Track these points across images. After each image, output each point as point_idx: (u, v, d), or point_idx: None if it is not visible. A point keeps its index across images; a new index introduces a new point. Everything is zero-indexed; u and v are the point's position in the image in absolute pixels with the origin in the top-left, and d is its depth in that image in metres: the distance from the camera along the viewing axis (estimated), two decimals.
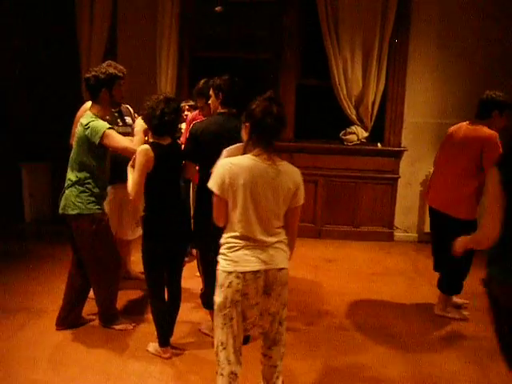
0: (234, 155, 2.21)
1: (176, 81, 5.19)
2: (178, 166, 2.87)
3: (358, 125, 5.20)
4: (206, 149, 2.81)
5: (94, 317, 3.27)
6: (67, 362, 2.84)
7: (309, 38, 5.28)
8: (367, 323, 3.44)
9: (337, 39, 4.95)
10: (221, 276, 2.13)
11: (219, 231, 2.83)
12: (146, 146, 2.68)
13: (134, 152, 2.78)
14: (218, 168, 2.11)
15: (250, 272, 2.09)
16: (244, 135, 2.22)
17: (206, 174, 2.88)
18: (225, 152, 2.29)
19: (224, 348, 2.15)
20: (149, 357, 2.92)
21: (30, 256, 4.51)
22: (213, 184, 2.10)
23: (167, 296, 2.97)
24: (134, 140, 2.92)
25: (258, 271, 2.10)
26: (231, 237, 2.14)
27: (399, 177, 5.24)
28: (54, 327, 3.17)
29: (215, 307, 2.17)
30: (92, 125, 2.86)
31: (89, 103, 3.10)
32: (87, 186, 2.95)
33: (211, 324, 3.11)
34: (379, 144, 5.26)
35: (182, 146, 3.05)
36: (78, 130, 2.95)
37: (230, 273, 2.10)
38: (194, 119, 3.89)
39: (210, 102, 3.05)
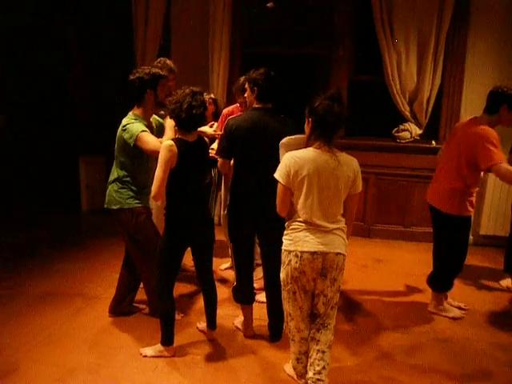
0: (294, 143, 2.45)
1: (228, 77, 5.22)
2: (203, 165, 2.81)
3: (411, 121, 5.04)
4: (241, 145, 2.80)
5: (145, 306, 3.38)
6: (118, 348, 2.96)
7: (362, 33, 5.16)
8: (417, 327, 3.34)
9: (391, 33, 4.79)
10: (283, 254, 2.37)
11: (254, 225, 2.92)
12: (170, 142, 2.59)
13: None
14: (283, 161, 2.32)
15: (307, 252, 2.28)
16: (306, 129, 2.39)
17: (239, 170, 2.89)
18: (285, 140, 2.50)
19: (292, 319, 2.44)
20: (196, 346, 2.99)
21: (85, 245, 4.73)
22: (279, 175, 2.31)
23: (202, 291, 3.00)
24: (163, 139, 2.84)
25: (315, 252, 2.28)
26: (295, 221, 2.34)
27: None
28: (107, 314, 3.32)
29: (281, 282, 2.42)
30: (128, 127, 2.88)
31: None
32: (126, 183, 3.01)
33: (242, 319, 3.15)
34: (434, 142, 5.06)
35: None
36: (118, 130, 2.97)
37: (290, 251, 2.32)
38: (229, 114, 3.87)
39: (245, 95, 2.98)
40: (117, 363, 2.80)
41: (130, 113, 3.01)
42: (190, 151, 2.65)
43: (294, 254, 2.30)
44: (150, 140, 2.84)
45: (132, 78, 2.95)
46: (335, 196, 2.30)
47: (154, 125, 3.13)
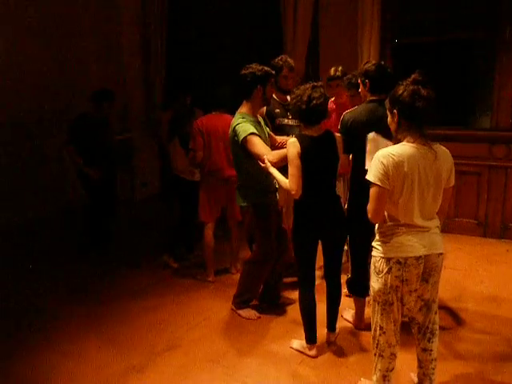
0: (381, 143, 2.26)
1: None
2: (331, 158, 2.69)
3: None
4: (358, 139, 2.73)
5: (291, 298, 3.45)
6: (265, 336, 3.07)
7: None
8: None
9: None
10: (379, 262, 2.15)
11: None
12: (294, 139, 2.62)
13: (262, 159, 2.79)
14: (378, 160, 2.05)
15: (412, 257, 2.09)
16: (392, 123, 2.16)
17: (359, 164, 2.79)
18: (371, 135, 2.33)
19: (383, 332, 2.21)
20: (345, 343, 2.95)
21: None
22: (375, 176, 2.05)
23: (326, 289, 2.92)
24: (274, 152, 2.84)
25: (420, 257, 2.09)
26: (392, 224, 2.13)
27: None
28: (256, 303, 3.44)
29: (373, 293, 2.21)
30: (237, 128, 2.95)
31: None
32: (249, 184, 3.09)
33: (353, 312, 3.12)
34: None
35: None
36: (229, 132, 3.06)
37: (389, 259, 2.11)
38: (331, 109, 3.78)
39: (359, 90, 2.95)
40: (264, 351, 2.91)
41: (238, 112, 3.08)
42: (315, 146, 2.62)
43: (395, 260, 2.09)
44: (257, 144, 2.87)
45: (244, 72, 3.02)
46: (435, 192, 2.10)
47: (260, 120, 3.16)
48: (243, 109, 3.09)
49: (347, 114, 2.88)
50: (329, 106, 3.84)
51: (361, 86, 2.89)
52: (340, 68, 3.84)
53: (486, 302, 3.45)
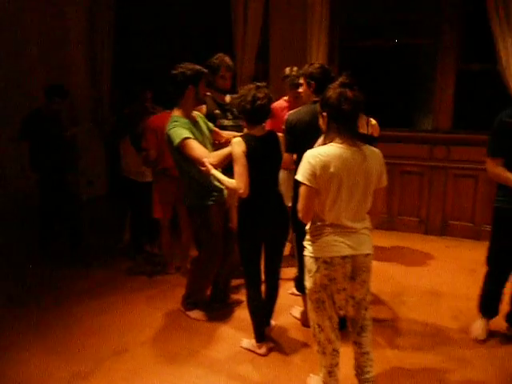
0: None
1: None
2: (274, 157, 2.76)
3: None
4: (302, 139, 2.75)
5: (240, 299, 3.45)
6: (216, 337, 3.07)
7: (472, 17, 4.76)
8: None
9: (506, 17, 4.33)
10: (308, 261, 2.21)
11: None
12: (238, 138, 2.64)
13: (202, 162, 2.76)
14: (306, 160, 2.10)
15: (338, 257, 2.14)
16: (322, 125, 2.22)
17: None
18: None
19: (322, 330, 2.27)
20: (290, 340, 2.98)
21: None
22: (304, 176, 2.10)
23: (265, 287, 2.95)
24: (213, 153, 2.84)
25: (346, 256, 2.14)
26: (319, 224, 2.18)
27: None
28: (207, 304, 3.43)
29: (306, 292, 2.27)
30: (170, 133, 2.89)
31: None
32: (191, 186, 3.06)
33: (301, 309, 3.19)
34: None
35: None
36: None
37: (317, 258, 2.16)
38: (281, 109, 3.87)
39: (300, 90, 3.00)
40: (215, 352, 2.91)
41: (171, 116, 3.00)
42: (258, 145, 2.65)
43: (322, 260, 2.15)
44: (194, 147, 2.84)
45: (175, 72, 2.96)
46: (364, 193, 2.14)
47: (198, 119, 3.12)
48: (176, 112, 3.01)
49: (291, 114, 2.91)
50: (281, 104, 3.96)
51: (304, 86, 2.92)
52: (295, 68, 3.88)
53: (425, 297, 3.63)
